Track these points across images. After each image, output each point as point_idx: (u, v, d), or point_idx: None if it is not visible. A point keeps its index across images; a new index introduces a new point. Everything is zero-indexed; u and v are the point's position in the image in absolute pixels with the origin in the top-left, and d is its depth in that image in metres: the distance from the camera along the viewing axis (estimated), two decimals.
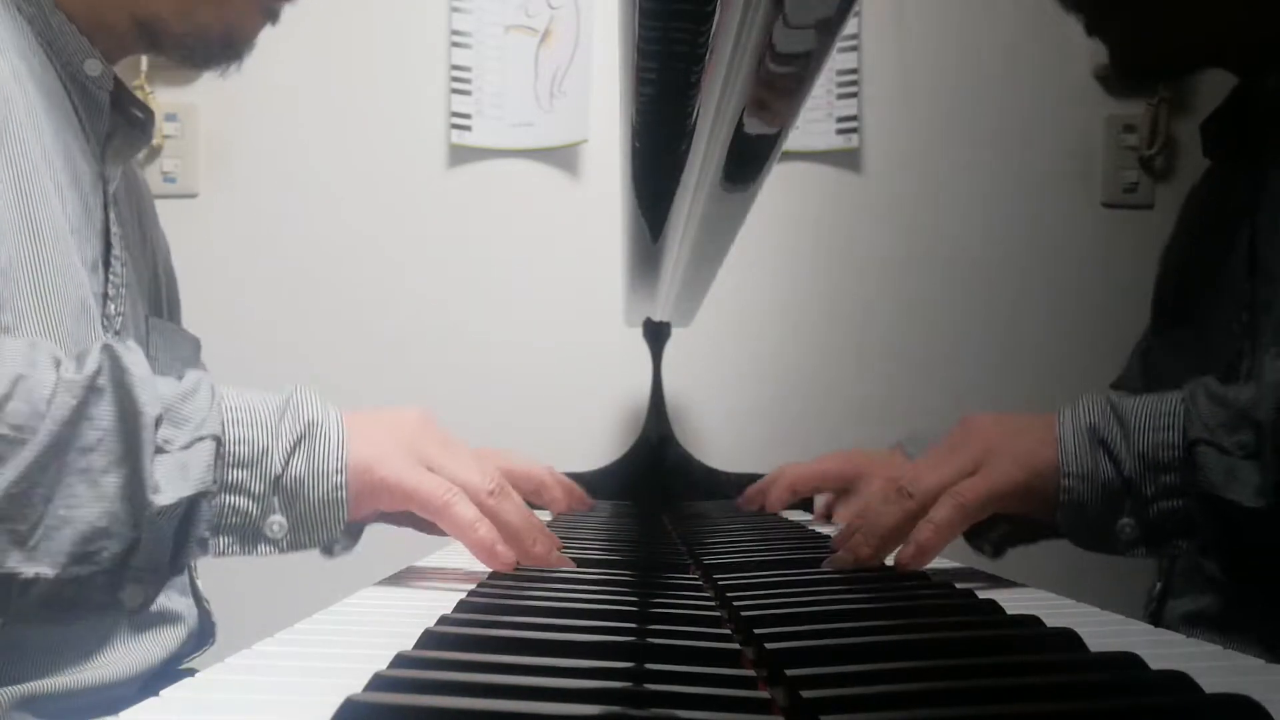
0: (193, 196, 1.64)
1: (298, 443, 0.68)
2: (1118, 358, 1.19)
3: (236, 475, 0.67)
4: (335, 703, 0.35)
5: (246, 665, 0.47)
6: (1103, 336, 1.60)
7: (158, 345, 0.94)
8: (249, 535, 0.68)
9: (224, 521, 0.67)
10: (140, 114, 0.90)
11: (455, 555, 0.87)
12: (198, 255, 1.65)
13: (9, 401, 0.61)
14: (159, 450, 0.65)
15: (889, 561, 0.73)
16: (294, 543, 0.69)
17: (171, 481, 0.65)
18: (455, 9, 1.63)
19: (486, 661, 0.42)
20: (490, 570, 0.71)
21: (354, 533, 0.88)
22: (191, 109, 1.64)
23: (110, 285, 0.85)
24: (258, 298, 1.63)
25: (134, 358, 0.66)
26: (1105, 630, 0.53)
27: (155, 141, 1.62)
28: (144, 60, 1.57)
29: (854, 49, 1.64)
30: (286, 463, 0.68)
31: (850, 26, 1.61)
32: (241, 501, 0.67)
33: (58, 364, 0.64)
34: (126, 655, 0.82)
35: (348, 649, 0.49)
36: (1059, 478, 0.71)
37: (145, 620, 0.85)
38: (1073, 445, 0.71)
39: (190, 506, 0.66)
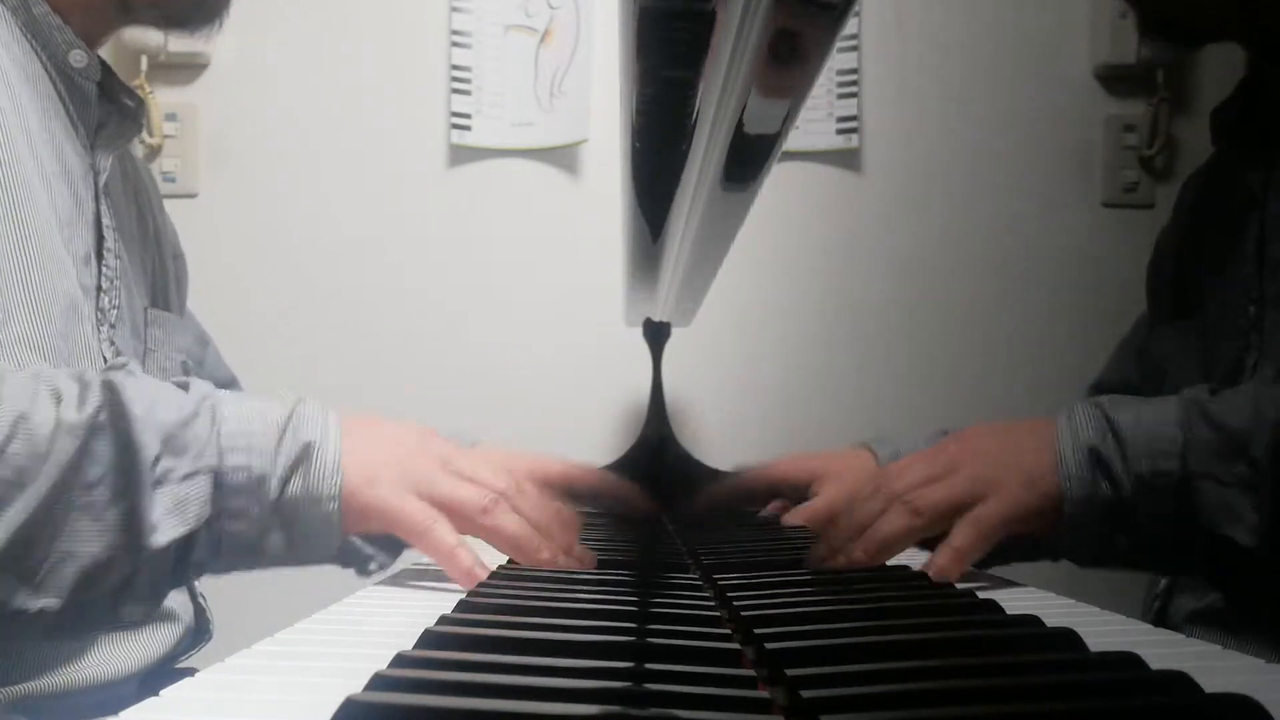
0: (193, 196, 1.64)
1: (295, 466, 0.68)
2: None
3: (235, 502, 0.67)
4: (335, 702, 0.35)
5: (246, 665, 0.47)
6: (1102, 336, 1.60)
7: (156, 338, 0.94)
8: (247, 553, 0.69)
9: (222, 545, 0.68)
10: (130, 102, 0.89)
11: None
12: (197, 255, 1.65)
13: (10, 443, 0.60)
14: (157, 483, 0.64)
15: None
16: (292, 558, 0.70)
17: (168, 518, 0.65)
18: (455, 9, 1.63)
19: (486, 661, 0.42)
20: (491, 570, 0.71)
21: (392, 550, 0.89)
22: (191, 109, 1.64)
23: (104, 278, 0.85)
24: (257, 297, 1.63)
25: (135, 390, 0.65)
26: (1105, 630, 0.53)
27: (155, 141, 1.62)
28: (144, 60, 1.57)
29: (854, 49, 1.64)
30: (283, 486, 0.68)
31: (850, 26, 1.61)
32: (239, 526, 0.68)
33: (58, 399, 0.63)
34: (121, 654, 0.82)
35: (348, 649, 0.49)
36: (1063, 501, 0.70)
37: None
38: (1075, 468, 0.70)
39: (188, 535, 0.66)
